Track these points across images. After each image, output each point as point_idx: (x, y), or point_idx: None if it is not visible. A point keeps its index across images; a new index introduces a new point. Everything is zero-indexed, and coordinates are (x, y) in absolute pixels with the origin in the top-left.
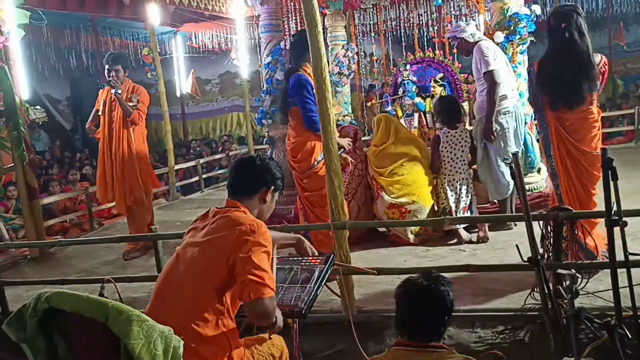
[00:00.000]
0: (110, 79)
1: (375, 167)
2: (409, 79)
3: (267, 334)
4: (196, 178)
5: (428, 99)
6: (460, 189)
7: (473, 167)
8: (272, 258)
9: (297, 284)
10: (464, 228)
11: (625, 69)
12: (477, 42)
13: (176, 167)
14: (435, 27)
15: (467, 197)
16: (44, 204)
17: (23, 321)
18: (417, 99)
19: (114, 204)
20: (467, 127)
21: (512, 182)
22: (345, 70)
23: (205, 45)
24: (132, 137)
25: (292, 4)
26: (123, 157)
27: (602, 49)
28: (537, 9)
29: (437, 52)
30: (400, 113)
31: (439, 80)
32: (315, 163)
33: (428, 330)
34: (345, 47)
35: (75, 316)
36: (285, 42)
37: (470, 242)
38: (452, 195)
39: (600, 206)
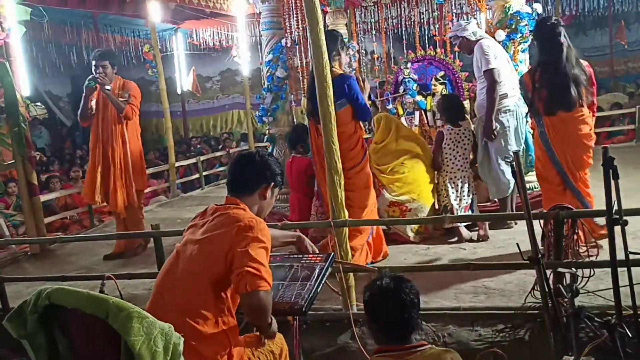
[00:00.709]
0: (97, 74)
1: (376, 165)
2: (410, 77)
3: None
4: (197, 175)
5: (429, 97)
6: (461, 187)
7: (475, 165)
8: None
9: (298, 281)
10: (464, 226)
11: (627, 68)
12: (478, 40)
13: (177, 164)
14: (437, 25)
15: (469, 196)
16: (44, 201)
17: (23, 317)
18: (418, 97)
19: (103, 203)
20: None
21: (512, 181)
22: (346, 67)
23: (206, 42)
24: (126, 136)
25: (293, 1)
26: (118, 155)
27: (604, 48)
28: (538, 7)
29: (438, 50)
30: (401, 111)
31: (440, 79)
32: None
33: (402, 328)
34: (346, 45)
35: (75, 313)
36: (286, 39)
37: (470, 240)
38: (453, 193)
39: (601, 205)
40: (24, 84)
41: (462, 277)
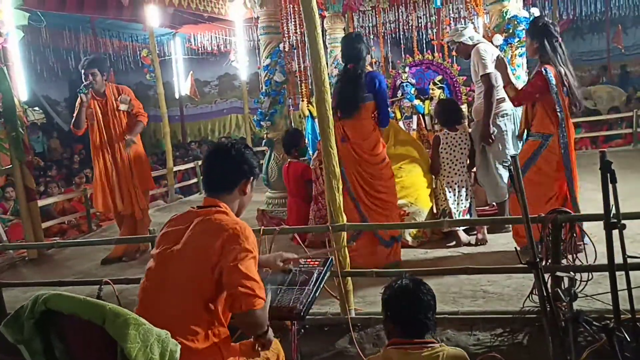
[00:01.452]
0: (89, 82)
1: None
2: (407, 82)
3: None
4: (195, 180)
5: (427, 102)
6: (459, 191)
7: (472, 170)
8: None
9: (296, 286)
10: (463, 230)
11: (623, 72)
12: (476, 45)
13: (175, 168)
14: (434, 30)
15: (467, 200)
16: (42, 206)
17: (20, 323)
18: (416, 102)
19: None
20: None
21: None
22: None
23: (204, 47)
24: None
25: (291, 5)
26: (121, 161)
27: (601, 52)
28: (535, 11)
29: (436, 54)
30: (399, 115)
31: (438, 83)
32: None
33: (419, 328)
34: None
35: (72, 318)
36: (284, 44)
37: (469, 244)
38: (451, 197)
39: (599, 208)
40: (21, 88)
41: (461, 281)
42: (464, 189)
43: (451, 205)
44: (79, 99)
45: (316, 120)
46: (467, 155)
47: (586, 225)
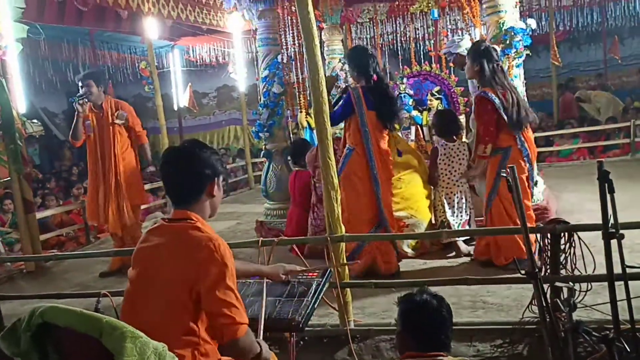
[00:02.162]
0: (83, 93)
1: None
2: (405, 93)
3: None
4: None
5: (425, 112)
6: (458, 203)
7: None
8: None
9: (295, 297)
10: (462, 241)
11: (621, 83)
12: None
13: None
14: (432, 41)
15: (466, 211)
16: (40, 218)
17: (17, 335)
18: (414, 112)
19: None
20: (464, 139)
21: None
22: (342, 83)
23: (202, 58)
24: (118, 153)
25: (289, 17)
26: (112, 174)
27: (598, 63)
28: (532, 22)
29: (433, 65)
30: (397, 126)
31: (436, 94)
32: None
33: (440, 345)
34: (342, 61)
35: (69, 331)
36: (282, 55)
37: (468, 254)
38: (449, 209)
39: (597, 218)
40: (20, 101)
41: (460, 291)
42: (463, 200)
43: (450, 218)
44: (75, 108)
45: (314, 131)
46: (465, 166)
47: (585, 235)
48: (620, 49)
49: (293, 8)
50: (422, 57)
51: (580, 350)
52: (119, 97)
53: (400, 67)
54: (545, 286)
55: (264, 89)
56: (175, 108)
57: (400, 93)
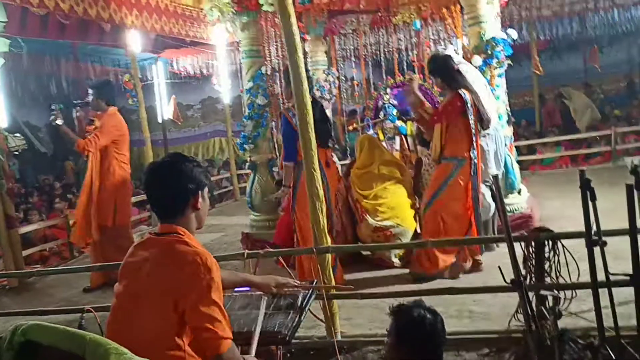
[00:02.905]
0: (81, 101)
1: (359, 190)
2: (389, 103)
3: None
4: None
5: (409, 122)
6: None
7: None
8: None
9: (281, 310)
10: None
11: (601, 90)
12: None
13: None
14: (415, 51)
15: None
16: (22, 233)
17: None
18: (399, 123)
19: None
20: None
21: (493, 204)
22: (326, 94)
23: (186, 70)
24: (105, 166)
25: (272, 29)
26: (100, 187)
27: (577, 72)
28: (513, 33)
29: (416, 75)
30: (382, 136)
31: None
32: None
33: (436, 355)
34: (326, 72)
35: (52, 350)
36: (266, 67)
37: None
38: None
39: (580, 225)
40: (1, 115)
41: (446, 300)
42: None
43: None
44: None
45: None
46: None
47: (568, 242)
48: (600, 57)
49: (276, 20)
50: (405, 67)
51: (566, 357)
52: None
53: (384, 77)
54: (531, 294)
55: (249, 101)
56: (160, 120)
57: (384, 103)
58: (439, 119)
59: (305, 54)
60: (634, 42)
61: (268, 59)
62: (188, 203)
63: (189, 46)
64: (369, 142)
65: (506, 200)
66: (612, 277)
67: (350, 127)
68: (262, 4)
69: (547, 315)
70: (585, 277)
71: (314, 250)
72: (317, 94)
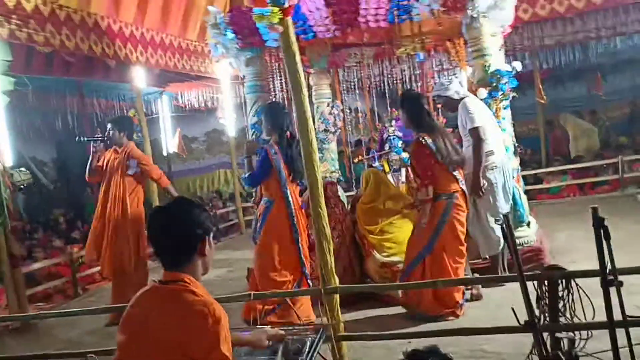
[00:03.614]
0: (103, 136)
1: (365, 225)
2: (394, 135)
3: None
4: None
5: None
6: None
7: None
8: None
9: (288, 356)
10: None
11: (605, 118)
12: (462, 99)
13: None
14: (419, 83)
15: None
16: (26, 272)
17: None
18: (404, 154)
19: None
20: None
21: (502, 237)
22: (331, 127)
23: (191, 104)
24: (127, 200)
25: (276, 64)
26: (117, 218)
27: (581, 99)
28: (518, 65)
29: None
30: (387, 168)
31: None
32: None
33: None
34: (330, 105)
35: None
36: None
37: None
38: None
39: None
40: (7, 153)
41: (458, 340)
42: None
43: None
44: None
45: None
46: None
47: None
48: (603, 85)
49: (280, 54)
50: None
51: None
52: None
53: (389, 109)
54: (545, 334)
55: (253, 136)
56: (165, 153)
57: (389, 135)
58: (427, 178)
59: (309, 87)
60: (637, 70)
61: (272, 93)
62: (195, 249)
63: (194, 80)
64: (375, 177)
65: (515, 234)
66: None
67: (356, 160)
68: (266, 40)
69: (562, 358)
70: (601, 314)
71: (322, 291)
72: (322, 127)
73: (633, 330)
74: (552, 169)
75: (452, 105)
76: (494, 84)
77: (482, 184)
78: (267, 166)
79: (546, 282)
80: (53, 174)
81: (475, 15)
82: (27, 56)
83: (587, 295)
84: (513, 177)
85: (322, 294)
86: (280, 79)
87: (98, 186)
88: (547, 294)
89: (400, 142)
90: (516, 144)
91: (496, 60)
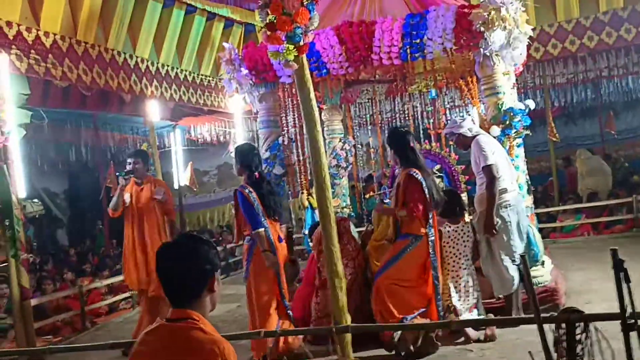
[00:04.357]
0: (130, 170)
1: (376, 262)
2: None
3: None
4: None
5: None
6: (465, 286)
7: (477, 261)
8: None
9: None
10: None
11: (617, 156)
12: (475, 136)
13: None
14: (431, 120)
15: (473, 295)
16: (36, 304)
17: None
18: None
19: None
20: (467, 218)
21: (517, 277)
22: (342, 162)
23: (203, 137)
24: (160, 224)
25: (290, 99)
26: (154, 242)
27: (594, 137)
28: (531, 103)
29: (433, 143)
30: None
31: (437, 172)
32: None
33: None
34: (342, 140)
35: None
36: (283, 137)
37: (478, 340)
38: (456, 294)
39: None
40: (20, 185)
41: None
42: (469, 283)
43: (456, 303)
44: (119, 182)
45: (316, 211)
46: (470, 247)
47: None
48: (616, 123)
49: (294, 90)
50: (421, 133)
51: None
52: (119, 176)
53: None
54: None
55: (266, 171)
56: (176, 187)
57: None
58: (417, 211)
59: (321, 122)
60: None
61: (285, 128)
62: (204, 286)
63: (207, 114)
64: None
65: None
66: None
67: (368, 195)
68: (280, 77)
69: None
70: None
71: (333, 329)
72: (334, 162)
73: None
74: (565, 207)
75: (464, 142)
76: (508, 122)
77: (495, 222)
78: (250, 205)
79: (563, 325)
80: (65, 206)
81: (488, 54)
82: (44, 89)
83: (605, 339)
84: (527, 215)
85: (334, 332)
86: (293, 115)
87: (110, 220)
88: (564, 337)
89: None
90: (529, 183)
91: (509, 98)
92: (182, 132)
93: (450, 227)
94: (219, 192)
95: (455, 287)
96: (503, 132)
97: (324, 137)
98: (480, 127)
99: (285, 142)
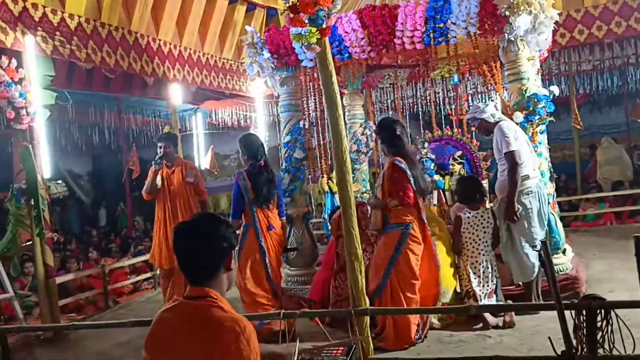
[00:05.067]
0: (162, 154)
1: None
2: (427, 157)
3: None
4: None
5: (447, 177)
6: (484, 272)
7: (496, 249)
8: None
9: None
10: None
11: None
12: (498, 122)
13: None
14: (453, 105)
15: (492, 281)
16: (60, 282)
17: None
18: (436, 177)
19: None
20: (487, 205)
21: (537, 264)
22: (363, 147)
23: (224, 121)
24: (192, 205)
25: (311, 84)
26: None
27: (619, 125)
28: (555, 89)
29: (455, 129)
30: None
31: (458, 158)
32: None
33: None
34: (363, 125)
35: None
36: (304, 121)
37: (496, 327)
38: (475, 279)
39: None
40: (45, 165)
41: None
42: (489, 269)
43: (476, 288)
44: (152, 167)
45: (336, 195)
46: (490, 234)
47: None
48: None
49: (315, 74)
50: (442, 120)
51: None
52: (141, 158)
53: (422, 131)
54: None
55: (286, 154)
56: None
57: (422, 157)
58: (408, 198)
59: (342, 107)
60: None
61: (306, 112)
62: (222, 264)
63: (228, 98)
64: None
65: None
66: None
67: None
68: (302, 60)
69: None
70: None
71: (353, 312)
72: (354, 147)
73: None
74: (588, 196)
75: (487, 128)
76: (531, 108)
77: (516, 209)
78: (238, 192)
79: (584, 312)
80: (88, 187)
81: (512, 39)
82: (69, 71)
83: (627, 326)
84: (549, 202)
85: (353, 315)
86: (315, 99)
87: (133, 201)
88: (584, 324)
89: (433, 164)
90: (552, 170)
91: (533, 84)
92: (203, 116)
93: (470, 213)
94: None
95: (474, 273)
96: (526, 118)
97: (345, 121)
98: (503, 113)
99: (306, 126)
